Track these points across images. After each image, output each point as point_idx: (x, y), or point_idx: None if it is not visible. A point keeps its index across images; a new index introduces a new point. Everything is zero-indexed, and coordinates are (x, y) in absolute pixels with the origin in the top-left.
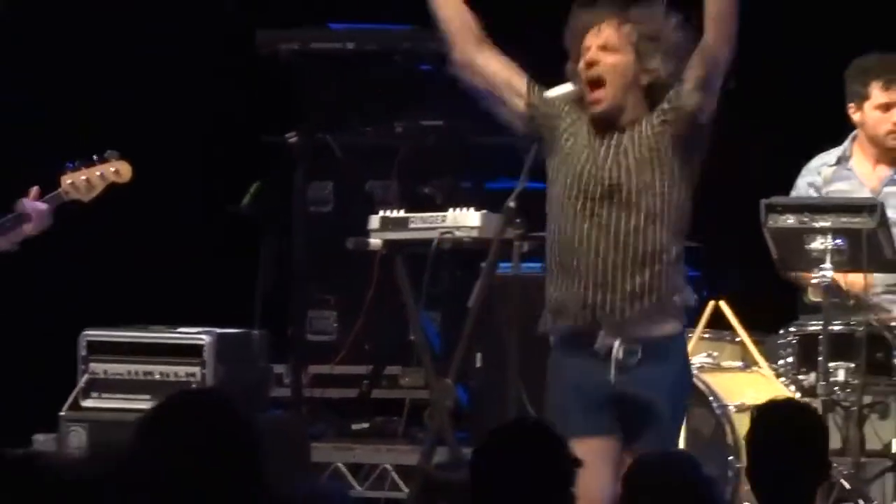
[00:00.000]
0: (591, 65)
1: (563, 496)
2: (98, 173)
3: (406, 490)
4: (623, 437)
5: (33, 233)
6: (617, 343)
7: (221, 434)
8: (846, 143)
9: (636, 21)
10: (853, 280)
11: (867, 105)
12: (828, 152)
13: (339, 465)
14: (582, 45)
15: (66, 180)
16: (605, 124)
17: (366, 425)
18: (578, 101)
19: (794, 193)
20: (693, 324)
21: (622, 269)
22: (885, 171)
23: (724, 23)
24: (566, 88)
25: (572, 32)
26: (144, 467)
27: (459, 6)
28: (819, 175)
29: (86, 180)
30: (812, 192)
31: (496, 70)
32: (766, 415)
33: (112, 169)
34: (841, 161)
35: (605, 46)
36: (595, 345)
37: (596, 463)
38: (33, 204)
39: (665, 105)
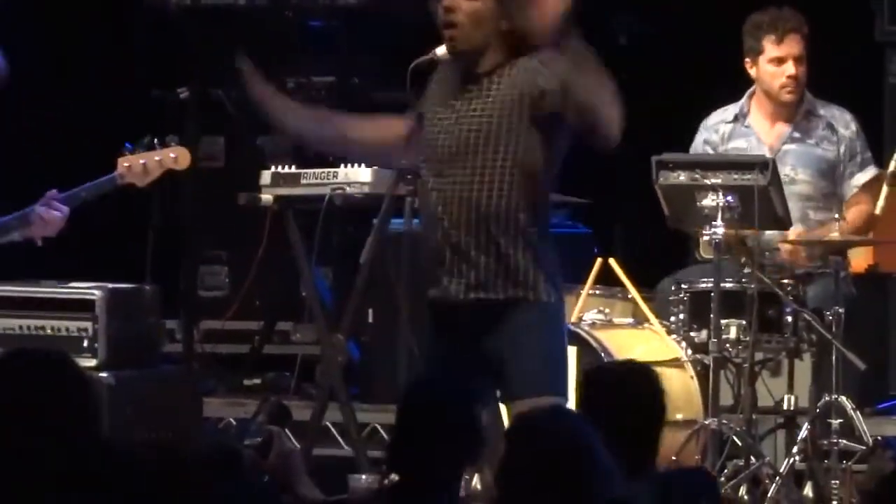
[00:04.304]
0: (448, 10)
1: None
2: (157, 158)
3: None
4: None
5: (38, 236)
6: None
7: (52, 391)
8: (743, 100)
9: None
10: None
11: (761, 59)
12: (725, 108)
13: (231, 420)
14: None
15: (123, 163)
16: (465, 71)
17: (257, 381)
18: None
19: (692, 151)
20: (583, 280)
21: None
22: (783, 128)
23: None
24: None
25: None
26: None
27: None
28: (716, 133)
29: (143, 165)
30: (708, 150)
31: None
32: (597, 379)
33: (171, 155)
34: (738, 118)
35: None
36: None
37: None
38: (46, 211)
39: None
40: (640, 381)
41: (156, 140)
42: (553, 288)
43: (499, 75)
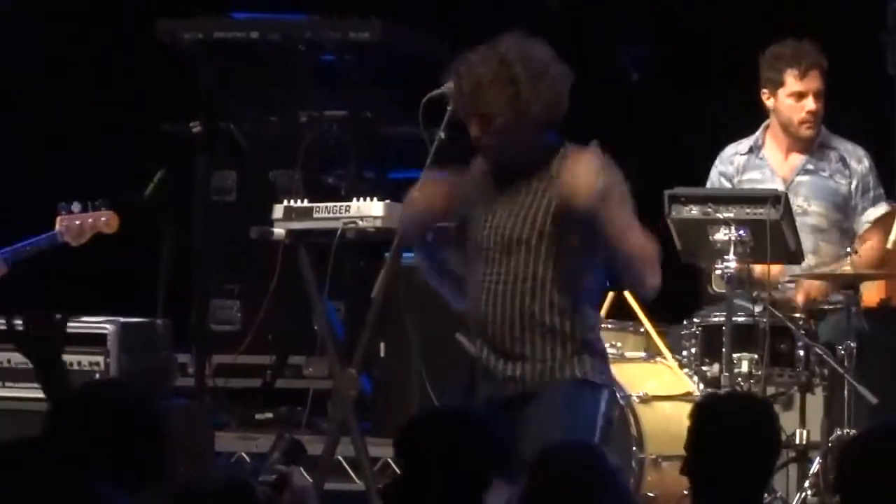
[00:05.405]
0: (477, 139)
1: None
2: (89, 220)
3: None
4: None
5: None
6: None
7: (128, 423)
8: (759, 132)
9: (517, 72)
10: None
11: (781, 92)
12: (739, 141)
13: (243, 454)
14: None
15: (62, 222)
16: (507, 171)
17: (269, 415)
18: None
19: (707, 184)
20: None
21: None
22: (797, 159)
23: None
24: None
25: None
26: (54, 456)
27: None
28: (731, 164)
29: (79, 225)
30: (724, 182)
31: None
32: (714, 407)
33: (102, 219)
34: (753, 150)
35: (485, 117)
36: None
37: None
38: None
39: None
40: (757, 414)
41: (89, 202)
42: (599, 369)
43: (538, 178)
